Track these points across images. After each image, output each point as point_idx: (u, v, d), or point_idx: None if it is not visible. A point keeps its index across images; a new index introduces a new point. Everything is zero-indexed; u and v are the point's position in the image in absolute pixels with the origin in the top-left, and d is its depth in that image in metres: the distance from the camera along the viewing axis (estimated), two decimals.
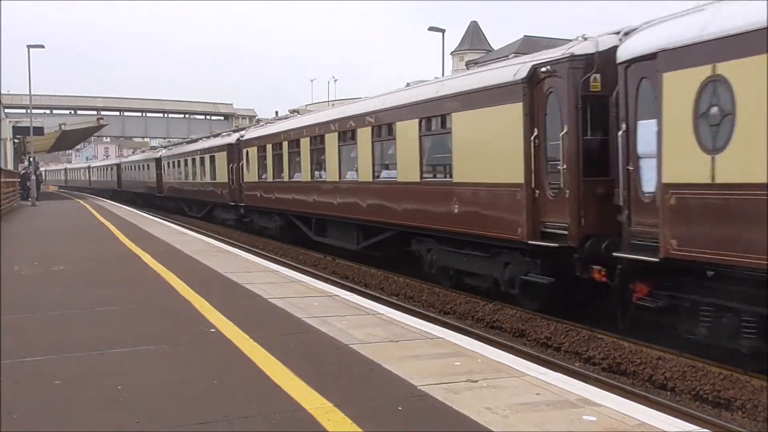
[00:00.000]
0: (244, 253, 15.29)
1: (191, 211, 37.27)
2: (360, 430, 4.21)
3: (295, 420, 4.39)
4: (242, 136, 27.16)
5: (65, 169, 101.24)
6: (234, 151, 27.85)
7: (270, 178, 23.70)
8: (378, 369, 5.54)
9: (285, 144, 22.05)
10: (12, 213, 29.48)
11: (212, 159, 31.17)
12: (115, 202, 44.14)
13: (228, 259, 13.24)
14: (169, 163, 40.85)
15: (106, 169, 66.47)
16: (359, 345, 6.29)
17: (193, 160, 34.69)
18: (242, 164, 26.36)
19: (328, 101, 64.29)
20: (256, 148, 25.03)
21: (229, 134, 31.95)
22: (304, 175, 20.45)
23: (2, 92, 43.63)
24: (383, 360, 5.76)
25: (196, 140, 41.65)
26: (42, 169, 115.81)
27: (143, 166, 48.79)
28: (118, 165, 58.85)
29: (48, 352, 6.11)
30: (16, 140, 43.15)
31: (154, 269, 11.47)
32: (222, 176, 29.28)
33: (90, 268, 11.86)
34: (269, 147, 23.73)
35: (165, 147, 48.88)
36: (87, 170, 79.45)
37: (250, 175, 25.50)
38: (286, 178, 21.89)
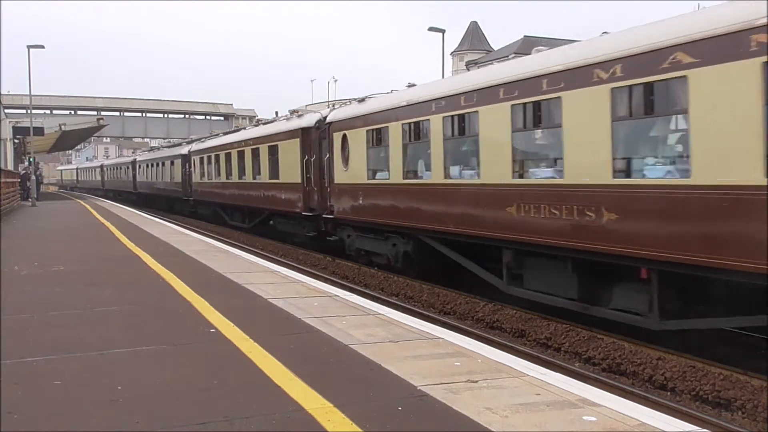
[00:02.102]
0: (244, 253, 15.29)
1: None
2: (360, 430, 4.21)
3: (295, 420, 4.39)
4: None
5: (101, 167, 70.43)
6: None
7: None
8: (378, 369, 5.54)
9: None
10: (12, 213, 29.49)
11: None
12: (117, 203, 43.95)
13: (228, 260, 13.23)
14: (358, 134, 16.52)
15: (160, 165, 42.00)
16: (359, 345, 6.29)
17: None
18: None
19: (328, 101, 64.28)
20: None
21: None
22: None
23: (2, 92, 43.70)
24: (383, 360, 5.75)
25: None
26: (74, 166, 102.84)
27: (241, 153, 25.99)
28: (186, 156, 35.61)
29: (48, 352, 6.10)
30: (16, 140, 43.21)
31: (154, 269, 11.47)
32: None
33: (90, 269, 11.86)
34: None
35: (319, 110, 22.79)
36: (131, 167, 52.45)
37: None
38: None
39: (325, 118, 18.95)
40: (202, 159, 32.26)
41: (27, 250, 14.89)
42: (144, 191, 47.19)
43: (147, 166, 46.43)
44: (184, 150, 36.78)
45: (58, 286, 9.90)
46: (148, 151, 56.63)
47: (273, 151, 22.57)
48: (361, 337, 6.60)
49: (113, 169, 62.59)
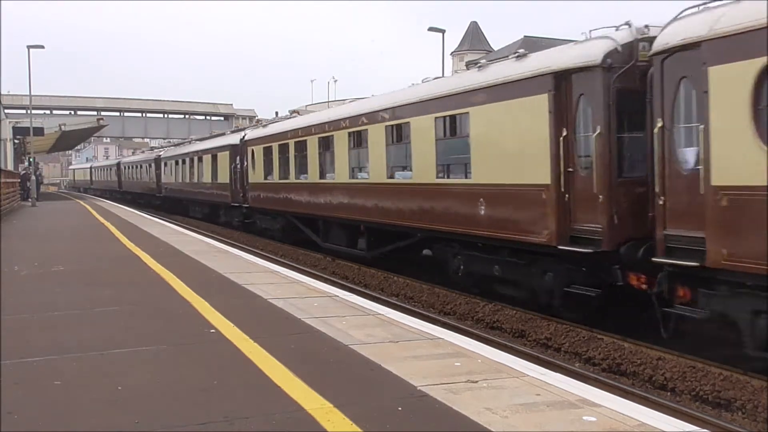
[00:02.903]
0: (244, 253, 15.29)
1: None
2: (360, 430, 4.20)
3: (295, 420, 4.39)
4: None
5: (118, 165, 57.56)
6: None
7: None
8: (378, 369, 5.54)
9: None
10: (12, 213, 29.48)
11: None
12: (114, 203, 43.93)
13: (228, 260, 13.23)
14: None
15: (195, 161, 32.54)
16: (359, 345, 6.29)
17: None
18: None
19: (328, 101, 64.32)
20: None
21: None
22: None
23: (2, 92, 43.72)
24: (383, 360, 5.75)
25: None
26: (87, 165, 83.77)
27: (356, 137, 16.83)
28: (237, 147, 26.29)
29: (48, 353, 6.10)
30: (16, 141, 43.23)
31: (154, 270, 11.47)
32: None
33: (90, 269, 11.86)
34: None
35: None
36: (153, 165, 42.51)
37: None
38: None
39: (643, 41, 9.41)
40: (268, 150, 22.45)
41: (27, 250, 14.88)
42: (171, 195, 37.53)
43: (176, 163, 36.06)
44: (233, 139, 27.20)
45: (58, 287, 9.90)
46: (174, 145, 45.34)
47: (447, 127, 13.30)
48: (361, 338, 6.60)
49: (132, 167, 51.27)
